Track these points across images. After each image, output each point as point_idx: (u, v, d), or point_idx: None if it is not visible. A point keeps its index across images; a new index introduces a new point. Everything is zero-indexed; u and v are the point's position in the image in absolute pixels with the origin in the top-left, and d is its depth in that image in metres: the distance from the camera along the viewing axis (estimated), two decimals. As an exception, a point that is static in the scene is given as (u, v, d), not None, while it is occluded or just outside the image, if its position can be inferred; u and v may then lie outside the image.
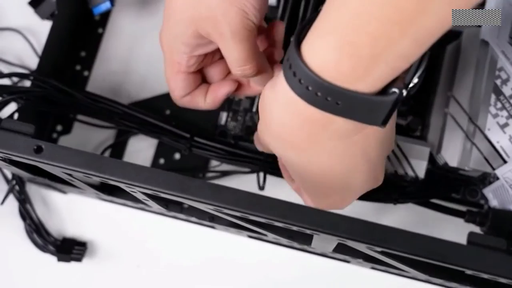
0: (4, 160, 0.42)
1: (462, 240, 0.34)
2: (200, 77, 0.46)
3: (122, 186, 0.38)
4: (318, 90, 0.34)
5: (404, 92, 0.35)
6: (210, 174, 0.57)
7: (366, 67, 0.33)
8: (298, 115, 0.36)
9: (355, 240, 0.34)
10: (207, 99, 0.47)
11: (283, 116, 0.37)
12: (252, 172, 0.55)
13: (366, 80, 0.34)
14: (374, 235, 0.33)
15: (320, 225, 0.33)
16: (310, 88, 0.34)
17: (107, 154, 0.58)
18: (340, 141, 0.38)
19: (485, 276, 0.35)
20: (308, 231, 0.35)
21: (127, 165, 0.36)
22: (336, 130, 0.37)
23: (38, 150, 0.36)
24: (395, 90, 0.35)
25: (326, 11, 0.34)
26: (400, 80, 0.35)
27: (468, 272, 0.35)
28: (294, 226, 0.34)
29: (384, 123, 0.36)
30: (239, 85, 0.47)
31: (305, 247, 0.51)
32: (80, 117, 0.59)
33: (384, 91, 0.35)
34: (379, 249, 0.35)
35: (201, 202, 0.35)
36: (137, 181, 0.35)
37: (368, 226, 0.33)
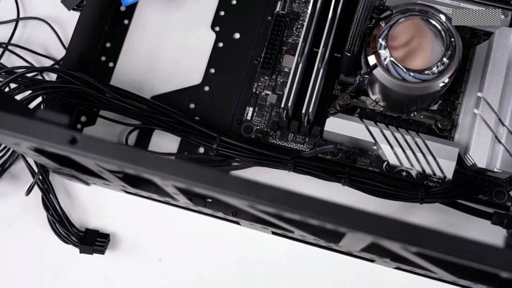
0: (35, 150, 0.42)
1: (488, 241, 0.34)
2: None
3: (155, 179, 0.37)
4: None
5: None
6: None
7: None
8: None
9: (392, 240, 0.33)
10: None
11: None
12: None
13: None
14: (412, 235, 0.33)
15: (358, 223, 0.33)
16: None
17: (131, 141, 0.58)
18: None
19: (522, 279, 0.34)
20: (343, 229, 0.35)
21: (162, 158, 0.36)
22: None
23: (73, 141, 0.36)
24: None
25: None
26: None
27: (504, 274, 0.35)
28: (330, 224, 0.34)
29: None
30: None
31: (332, 245, 0.50)
32: (103, 112, 0.58)
33: None
34: (415, 250, 0.34)
35: (237, 197, 0.35)
36: (172, 175, 0.35)
37: (406, 227, 0.33)
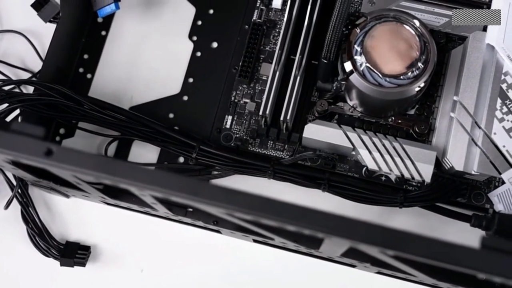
0: (11, 162, 0.42)
1: (468, 243, 0.34)
2: None
3: (133, 189, 0.37)
4: None
5: None
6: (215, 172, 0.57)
7: None
8: None
9: (368, 244, 0.33)
10: None
11: None
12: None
13: None
14: (388, 239, 0.33)
15: (334, 228, 0.33)
16: None
17: (111, 151, 0.58)
18: None
19: (498, 279, 0.35)
20: (320, 235, 0.35)
21: (138, 168, 0.35)
22: None
23: (48, 153, 0.36)
24: None
25: None
26: None
27: (481, 275, 0.35)
28: (306, 229, 0.34)
29: None
30: None
31: (312, 251, 0.50)
32: (82, 124, 0.58)
33: None
34: (392, 253, 0.35)
35: (213, 205, 0.35)
36: (148, 184, 0.35)
37: (382, 230, 0.33)
